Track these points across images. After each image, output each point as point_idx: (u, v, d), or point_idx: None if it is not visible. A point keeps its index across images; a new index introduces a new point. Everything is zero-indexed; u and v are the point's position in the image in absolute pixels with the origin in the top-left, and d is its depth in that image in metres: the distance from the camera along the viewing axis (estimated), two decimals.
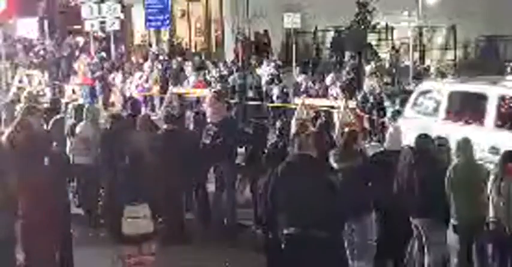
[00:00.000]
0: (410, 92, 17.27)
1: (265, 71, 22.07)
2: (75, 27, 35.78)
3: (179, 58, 24.45)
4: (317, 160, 8.13)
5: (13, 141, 10.26)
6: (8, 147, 10.19)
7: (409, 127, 12.55)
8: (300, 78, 19.98)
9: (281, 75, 21.28)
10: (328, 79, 18.98)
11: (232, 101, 19.99)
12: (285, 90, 20.22)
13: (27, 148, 9.47)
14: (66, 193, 10.21)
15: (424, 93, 14.27)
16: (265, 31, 28.96)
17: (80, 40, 31.00)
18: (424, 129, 10.98)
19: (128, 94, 22.17)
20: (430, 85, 14.93)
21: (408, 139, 10.08)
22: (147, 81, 22.64)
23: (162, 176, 11.29)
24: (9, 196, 9.65)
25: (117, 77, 23.24)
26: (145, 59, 25.89)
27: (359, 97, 17.86)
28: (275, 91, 20.31)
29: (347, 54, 23.05)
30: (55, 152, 9.89)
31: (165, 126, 12.01)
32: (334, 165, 9.46)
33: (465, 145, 9.35)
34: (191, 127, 13.08)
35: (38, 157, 9.24)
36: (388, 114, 17.08)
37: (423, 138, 9.50)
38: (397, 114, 16.86)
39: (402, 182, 9.25)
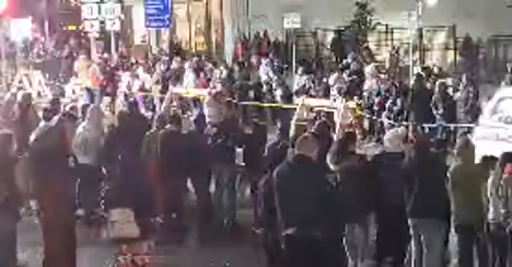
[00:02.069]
0: (409, 92, 17.31)
1: (264, 72, 22.09)
2: (71, 27, 35.89)
3: (179, 59, 24.44)
4: (315, 161, 8.13)
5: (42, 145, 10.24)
6: (36, 150, 10.16)
7: (489, 136, 11.84)
8: (303, 78, 19.98)
9: (279, 76, 21.21)
10: (331, 79, 18.97)
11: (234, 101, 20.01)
12: (287, 91, 20.22)
13: (54, 152, 9.59)
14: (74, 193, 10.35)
15: (503, 99, 13.45)
16: (265, 31, 28.99)
17: (72, 42, 30.95)
18: (508, 137, 10.59)
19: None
20: (509, 91, 14.02)
21: (489, 148, 9.64)
22: (143, 83, 22.56)
23: (162, 176, 11.33)
24: (14, 197, 9.75)
25: (123, 77, 23.17)
26: (146, 59, 25.90)
27: (359, 98, 17.86)
28: (278, 92, 20.31)
29: (350, 55, 23.06)
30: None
31: (167, 126, 12.03)
32: (331, 166, 9.47)
33: (465, 146, 9.36)
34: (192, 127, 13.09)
35: (62, 161, 9.42)
36: (388, 114, 17.07)
37: (423, 140, 9.51)
38: (397, 114, 16.88)
39: (402, 183, 9.25)
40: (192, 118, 13.47)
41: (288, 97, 19.95)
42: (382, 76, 18.85)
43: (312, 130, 11.04)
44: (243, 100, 20.14)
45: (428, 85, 17.61)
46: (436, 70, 19.56)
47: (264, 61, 23.31)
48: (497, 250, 9.10)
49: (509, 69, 17.81)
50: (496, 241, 9.01)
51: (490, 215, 8.88)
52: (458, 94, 16.72)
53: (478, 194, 8.98)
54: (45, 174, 9.43)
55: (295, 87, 20.18)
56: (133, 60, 26.30)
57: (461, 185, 9.01)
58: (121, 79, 22.86)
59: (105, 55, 25.87)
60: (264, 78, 21.53)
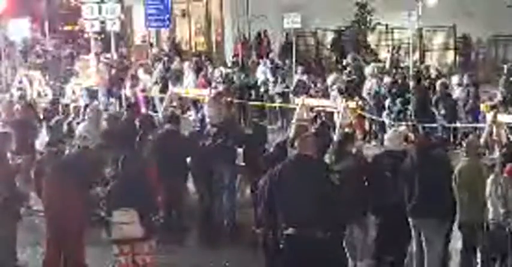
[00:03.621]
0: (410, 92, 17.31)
1: (262, 73, 22.10)
2: (67, 28, 35.85)
3: (179, 59, 24.43)
4: (316, 161, 8.13)
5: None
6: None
7: None
8: (302, 78, 19.98)
9: (280, 76, 21.19)
10: (330, 79, 18.96)
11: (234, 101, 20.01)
12: (285, 90, 20.22)
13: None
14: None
15: None
16: (265, 31, 28.96)
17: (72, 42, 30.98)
18: None
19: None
20: None
21: None
22: (144, 84, 22.54)
23: (162, 176, 11.31)
24: (14, 197, 9.76)
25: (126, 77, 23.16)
26: (146, 59, 25.88)
27: (359, 98, 17.84)
28: (275, 90, 20.31)
29: (350, 55, 23.05)
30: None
31: (166, 126, 12.02)
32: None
33: (471, 145, 9.39)
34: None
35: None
36: (388, 114, 17.07)
37: (423, 139, 9.51)
38: (398, 114, 16.88)
39: (403, 183, 9.25)
40: (191, 118, 13.48)
41: (284, 96, 19.95)
42: (382, 76, 18.83)
43: (313, 130, 11.04)
44: (242, 100, 20.15)
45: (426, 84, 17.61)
46: (432, 71, 19.47)
47: (262, 61, 23.31)
48: (497, 250, 9.10)
49: (505, 70, 17.75)
50: (496, 241, 9.01)
51: (490, 215, 8.88)
52: (458, 91, 16.70)
53: (482, 194, 8.98)
54: (64, 195, 9.45)
55: (293, 87, 20.17)
56: (133, 60, 26.31)
57: (466, 185, 9.01)
58: (124, 80, 22.88)
59: (109, 55, 25.88)
60: (261, 78, 21.54)
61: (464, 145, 9.62)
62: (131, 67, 24.43)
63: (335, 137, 11.51)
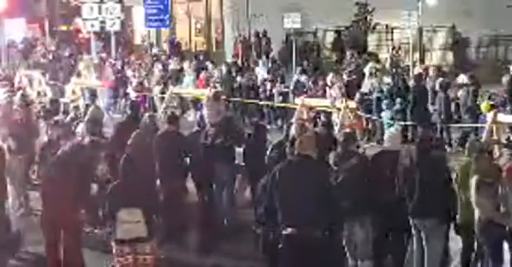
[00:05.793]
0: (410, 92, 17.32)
1: (260, 73, 22.11)
2: (63, 28, 35.90)
3: (178, 58, 24.46)
4: (316, 161, 8.13)
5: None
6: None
7: None
8: (302, 78, 20.00)
9: (278, 75, 21.22)
10: (330, 79, 18.97)
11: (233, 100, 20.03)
12: (285, 89, 20.23)
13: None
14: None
15: None
16: (265, 31, 29.01)
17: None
18: None
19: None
20: None
21: None
22: (141, 83, 22.56)
23: (161, 177, 11.32)
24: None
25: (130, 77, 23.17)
26: (146, 59, 25.89)
27: (359, 98, 17.85)
28: (274, 91, 20.32)
29: (348, 54, 23.06)
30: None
31: (165, 126, 12.01)
32: (332, 167, 9.47)
33: (472, 146, 9.39)
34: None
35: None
36: (388, 114, 17.07)
37: (424, 139, 9.52)
38: (397, 114, 16.88)
39: (402, 183, 9.25)
40: (190, 118, 13.46)
41: (284, 96, 19.97)
42: (381, 75, 18.84)
43: (315, 130, 11.03)
44: (242, 100, 20.15)
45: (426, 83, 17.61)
46: (431, 71, 19.51)
47: (260, 61, 23.33)
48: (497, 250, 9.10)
49: (511, 71, 17.66)
50: (496, 241, 9.01)
51: (489, 215, 8.87)
52: (461, 90, 16.70)
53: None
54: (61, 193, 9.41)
55: (292, 86, 20.20)
56: (133, 60, 26.31)
57: (466, 185, 9.01)
58: (128, 80, 22.90)
59: (108, 55, 25.91)
60: (260, 78, 21.57)
61: (467, 145, 9.64)
62: (131, 67, 24.46)
63: (338, 138, 11.50)
